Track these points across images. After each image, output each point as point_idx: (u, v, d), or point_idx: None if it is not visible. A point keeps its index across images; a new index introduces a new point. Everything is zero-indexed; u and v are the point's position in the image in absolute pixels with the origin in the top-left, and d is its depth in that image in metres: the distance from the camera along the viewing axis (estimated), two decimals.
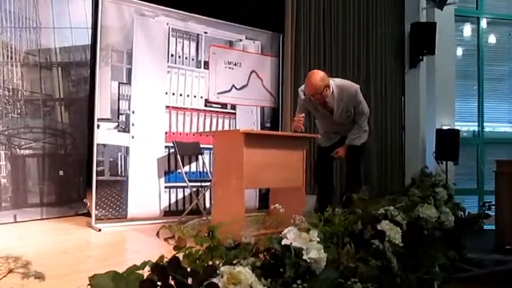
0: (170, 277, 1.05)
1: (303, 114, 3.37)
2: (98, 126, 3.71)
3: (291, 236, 1.35)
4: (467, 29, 7.62)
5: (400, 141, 6.83)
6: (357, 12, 5.73)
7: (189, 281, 1.07)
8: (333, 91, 3.33)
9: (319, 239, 1.37)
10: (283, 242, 1.35)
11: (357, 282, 1.46)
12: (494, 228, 5.00)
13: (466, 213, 3.96)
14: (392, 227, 2.07)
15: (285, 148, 3.29)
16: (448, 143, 6.55)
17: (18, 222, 3.80)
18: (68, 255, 2.70)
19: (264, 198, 4.40)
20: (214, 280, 1.11)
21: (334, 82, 3.39)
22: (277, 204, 1.71)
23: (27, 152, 3.92)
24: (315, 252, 1.32)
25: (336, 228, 1.99)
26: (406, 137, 6.94)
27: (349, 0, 5.58)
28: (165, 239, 1.29)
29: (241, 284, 1.10)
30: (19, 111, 3.87)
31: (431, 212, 2.83)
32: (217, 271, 1.14)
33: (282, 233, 1.42)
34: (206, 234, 1.26)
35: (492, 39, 7.72)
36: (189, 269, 1.13)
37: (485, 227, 5.53)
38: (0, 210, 3.73)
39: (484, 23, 7.64)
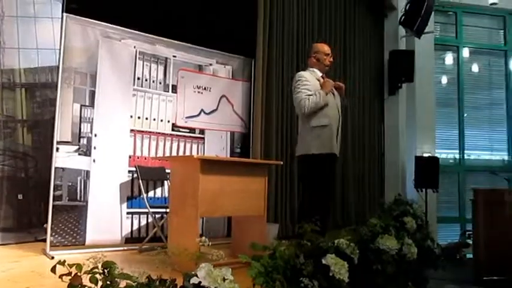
0: None
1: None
2: (57, 149, 3.61)
3: (201, 274, 1.25)
4: (449, 58, 7.71)
5: (379, 169, 6.77)
6: (333, 38, 5.75)
7: None
8: None
9: (232, 278, 1.27)
10: (192, 280, 1.25)
11: None
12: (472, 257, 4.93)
13: (435, 243, 3.86)
14: (338, 261, 1.97)
15: (245, 175, 3.19)
16: (428, 171, 6.51)
17: None
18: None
19: None
20: None
21: None
22: (202, 237, 1.60)
23: None
24: None
25: (276, 263, 1.89)
26: (385, 164, 6.89)
27: (325, 25, 5.61)
28: (60, 276, 1.18)
29: None
30: None
31: (391, 243, 2.73)
32: None
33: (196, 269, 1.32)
34: (101, 271, 1.15)
35: (472, 68, 7.81)
36: None
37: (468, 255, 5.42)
38: None
39: (464, 52, 7.73)
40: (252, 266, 1.84)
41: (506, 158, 7.80)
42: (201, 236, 4.09)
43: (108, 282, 1.12)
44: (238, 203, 3.14)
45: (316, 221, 2.30)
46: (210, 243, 1.55)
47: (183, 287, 1.28)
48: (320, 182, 3.24)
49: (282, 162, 3.50)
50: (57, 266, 1.18)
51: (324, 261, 1.95)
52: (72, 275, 1.16)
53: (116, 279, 1.15)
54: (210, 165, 2.98)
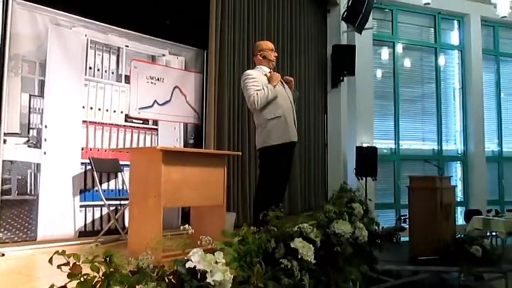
0: None
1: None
2: (5, 142, 3.44)
3: (195, 259, 1.32)
4: (385, 53, 8.17)
5: (323, 158, 7.06)
6: (281, 32, 5.91)
7: None
8: None
9: (224, 261, 1.36)
10: (187, 264, 1.32)
11: None
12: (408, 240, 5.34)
13: (381, 227, 4.16)
14: (305, 245, 2.11)
15: (205, 166, 3.26)
16: (367, 160, 6.88)
17: None
18: None
19: (187, 216, 4.31)
20: None
21: None
22: (186, 225, 1.67)
23: None
24: (219, 275, 1.30)
25: (249, 247, 1.99)
26: (328, 153, 7.20)
27: (273, 19, 5.75)
28: (58, 266, 1.20)
29: None
30: None
31: (346, 227, 2.92)
32: None
33: (188, 255, 1.39)
34: (103, 259, 1.19)
35: (406, 62, 8.34)
36: None
37: (402, 238, 5.86)
38: None
39: (399, 48, 8.23)
40: (226, 252, 1.93)
41: (436, 147, 8.46)
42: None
43: (111, 270, 1.16)
44: (199, 193, 3.20)
45: (281, 208, 2.43)
46: (193, 231, 1.62)
47: (176, 272, 1.34)
48: (280, 171, 3.38)
49: (240, 153, 3.60)
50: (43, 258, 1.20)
51: (292, 245, 2.08)
52: (71, 264, 1.18)
53: (120, 266, 1.19)
54: (172, 156, 3.02)
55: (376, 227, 3.99)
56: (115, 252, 1.21)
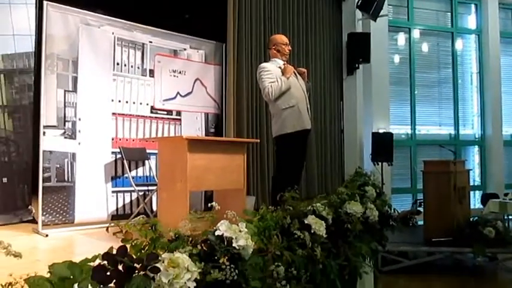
0: (119, 263, 1.25)
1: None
2: (44, 133, 3.78)
3: (223, 228, 1.59)
4: (401, 39, 8.24)
5: (339, 144, 7.23)
6: (297, 22, 6.08)
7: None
8: None
9: (247, 230, 1.62)
10: (217, 233, 1.58)
11: (280, 266, 1.73)
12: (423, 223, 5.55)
13: (393, 209, 4.37)
14: (317, 221, 2.37)
15: (226, 153, 3.53)
16: (383, 145, 7.05)
17: None
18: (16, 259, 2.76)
19: (209, 199, 4.61)
20: (157, 265, 1.33)
21: None
22: (214, 203, 1.94)
23: None
24: (242, 241, 1.57)
25: (268, 223, 2.25)
26: (345, 139, 7.35)
27: (288, 10, 5.93)
28: (114, 234, 1.48)
29: (179, 267, 1.32)
30: None
31: (357, 208, 3.16)
32: (159, 257, 1.36)
33: (216, 226, 1.66)
34: (150, 228, 1.47)
35: (423, 48, 8.40)
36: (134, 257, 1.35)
37: (419, 222, 6.08)
38: None
39: (415, 33, 8.29)
40: (248, 227, 2.20)
41: (452, 132, 8.54)
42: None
43: (157, 235, 1.43)
44: (221, 178, 3.48)
45: (296, 190, 2.68)
46: (219, 207, 1.88)
47: (207, 240, 1.61)
48: (295, 157, 3.63)
49: (258, 140, 3.85)
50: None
51: (306, 221, 2.33)
52: (124, 232, 1.46)
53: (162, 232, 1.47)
54: (196, 144, 3.30)
55: (388, 209, 4.20)
56: (158, 221, 1.48)
